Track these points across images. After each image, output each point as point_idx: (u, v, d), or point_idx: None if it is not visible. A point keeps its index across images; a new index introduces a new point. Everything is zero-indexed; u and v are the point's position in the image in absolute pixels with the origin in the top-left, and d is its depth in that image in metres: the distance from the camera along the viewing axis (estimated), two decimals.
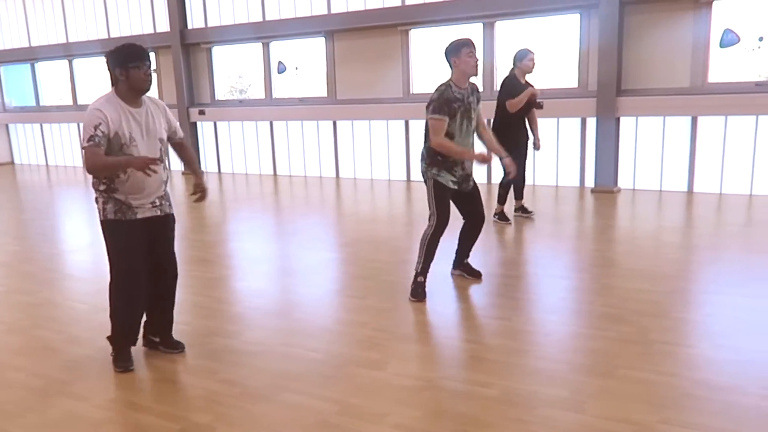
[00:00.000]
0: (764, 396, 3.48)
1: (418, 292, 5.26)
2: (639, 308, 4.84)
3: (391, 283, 5.64)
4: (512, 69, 7.60)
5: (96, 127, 3.75)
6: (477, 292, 5.51)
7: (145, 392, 3.89)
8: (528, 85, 7.59)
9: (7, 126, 17.46)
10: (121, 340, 4.20)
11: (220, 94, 13.96)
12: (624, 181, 9.86)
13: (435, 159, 5.17)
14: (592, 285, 5.56)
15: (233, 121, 13.68)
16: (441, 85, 5.15)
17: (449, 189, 5.24)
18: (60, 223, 9.63)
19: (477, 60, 5.18)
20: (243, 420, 3.45)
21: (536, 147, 7.90)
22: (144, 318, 4.34)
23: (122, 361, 4.16)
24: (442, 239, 5.29)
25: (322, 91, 12.44)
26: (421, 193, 10.26)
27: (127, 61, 3.86)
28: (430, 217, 5.30)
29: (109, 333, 4.25)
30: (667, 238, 6.99)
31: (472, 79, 5.26)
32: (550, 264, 6.33)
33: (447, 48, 5.18)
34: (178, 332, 4.53)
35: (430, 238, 5.28)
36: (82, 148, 3.81)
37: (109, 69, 3.94)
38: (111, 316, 4.19)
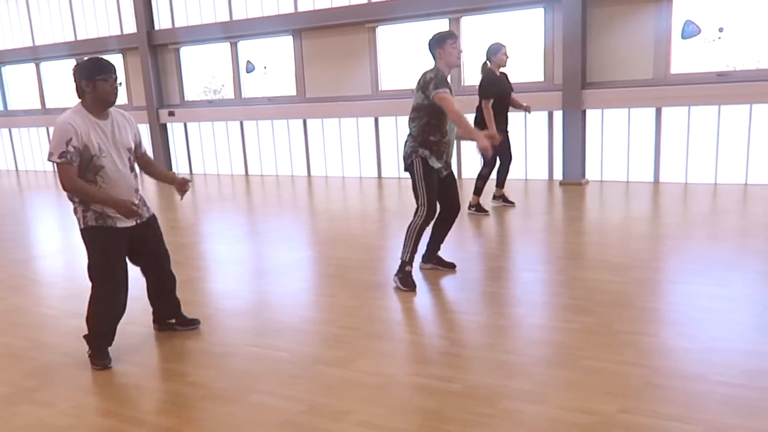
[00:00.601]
0: (722, 382, 3.55)
1: (409, 282, 5.35)
2: (603, 299, 4.91)
3: (359, 281, 5.66)
4: (485, 63, 7.76)
5: (68, 143, 3.86)
6: (444, 287, 5.55)
7: (112, 397, 3.88)
8: (503, 76, 7.84)
9: None
10: (99, 341, 4.26)
11: (193, 94, 13.89)
12: (591, 173, 9.98)
13: (427, 139, 5.25)
14: (558, 277, 5.62)
15: (203, 121, 13.62)
16: (431, 69, 5.24)
17: (436, 172, 5.33)
18: (28, 229, 9.53)
19: (461, 51, 5.32)
20: (208, 422, 3.46)
21: (527, 109, 8.23)
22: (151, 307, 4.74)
23: (100, 359, 4.22)
24: None
25: (291, 90, 12.42)
26: (391, 190, 10.38)
27: (93, 73, 3.95)
28: (418, 208, 5.37)
29: (80, 335, 4.35)
30: (633, 228, 7.08)
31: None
32: (518, 257, 6.39)
33: (431, 40, 5.29)
34: (144, 335, 4.68)
35: (419, 228, 5.37)
36: (53, 161, 3.90)
37: (75, 81, 4.02)
38: (89, 318, 4.26)
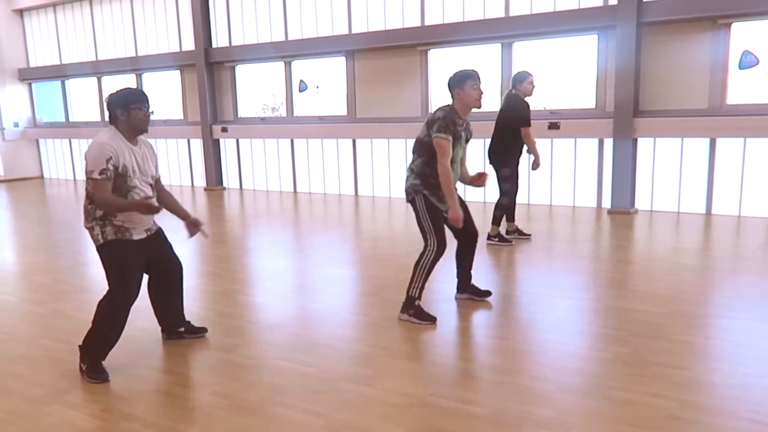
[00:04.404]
0: (754, 420, 3.43)
1: (425, 315, 5.11)
2: (639, 329, 4.80)
3: (392, 301, 5.59)
4: (511, 90, 7.59)
5: (108, 161, 4.10)
6: (477, 311, 5.48)
7: (139, 403, 3.94)
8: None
9: (37, 141, 17.82)
10: (97, 353, 4.30)
11: (251, 111, 14.13)
12: (641, 203, 9.78)
13: (428, 181, 5.01)
14: (595, 305, 5.52)
15: (255, 138, 13.83)
16: (445, 106, 5.06)
17: (440, 208, 5.10)
18: (78, 237, 9.76)
19: (481, 93, 5.05)
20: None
21: (536, 166, 7.73)
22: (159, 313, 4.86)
23: (98, 373, 4.24)
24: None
25: (342, 110, 12.54)
26: None
27: (129, 102, 4.21)
28: (427, 243, 5.13)
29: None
30: (679, 260, 6.91)
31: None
32: (557, 284, 6.27)
33: (451, 79, 5.07)
34: (176, 344, 4.79)
35: (431, 264, 5.12)
36: (91, 178, 4.12)
37: (109, 109, 4.27)
38: (93, 330, 4.30)
